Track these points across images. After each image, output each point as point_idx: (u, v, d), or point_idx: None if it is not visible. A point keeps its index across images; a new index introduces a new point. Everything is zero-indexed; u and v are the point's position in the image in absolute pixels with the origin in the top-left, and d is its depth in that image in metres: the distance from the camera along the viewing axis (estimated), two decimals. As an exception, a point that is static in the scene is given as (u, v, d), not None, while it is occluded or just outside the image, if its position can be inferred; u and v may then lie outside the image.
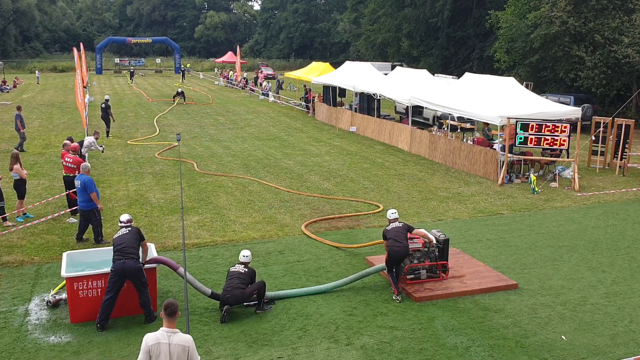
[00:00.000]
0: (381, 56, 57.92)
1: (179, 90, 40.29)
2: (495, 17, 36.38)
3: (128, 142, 24.07)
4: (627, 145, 19.42)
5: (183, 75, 60.44)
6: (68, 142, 14.78)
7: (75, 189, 13.88)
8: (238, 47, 59.35)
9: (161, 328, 5.76)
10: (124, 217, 9.42)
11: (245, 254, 9.49)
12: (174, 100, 38.60)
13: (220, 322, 8.80)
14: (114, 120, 26.64)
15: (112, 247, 8.98)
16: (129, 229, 9.10)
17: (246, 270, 9.25)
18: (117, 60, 76.98)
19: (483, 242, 12.60)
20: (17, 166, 13.69)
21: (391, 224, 10.16)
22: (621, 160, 19.39)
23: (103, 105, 25.43)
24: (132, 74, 58.28)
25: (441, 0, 47.10)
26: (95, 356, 7.91)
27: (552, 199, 16.22)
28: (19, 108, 22.46)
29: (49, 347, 8.13)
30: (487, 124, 20.74)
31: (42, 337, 8.38)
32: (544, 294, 10.00)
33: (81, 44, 37.47)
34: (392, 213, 10.40)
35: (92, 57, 67.62)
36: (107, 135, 24.75)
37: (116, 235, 9.03)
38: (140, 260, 8.88)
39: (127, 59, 76.01)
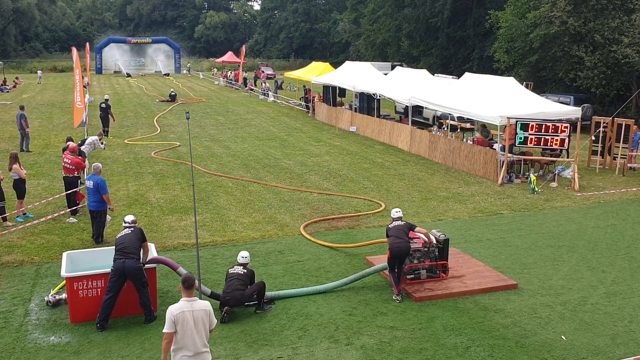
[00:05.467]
0: (381, 56, 57.90)
1: (172, 93, 40.12)
2: (495, 17, 36.38)
3: (125, 141, 24.07)
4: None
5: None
6: (70, 143, 14.79)
7: (74, 189, 13.95)
8: (243, 47, 59.19)
9: (181, 299, 6.33)
10: (129, 217, 9.42)
11: (243, 255, 9.49)
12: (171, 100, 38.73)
13: (220, 323, 8.80)
14: (114, 120, 26.66)
15: (113, 247, 8.99)
16: (132, 229, 9.11)
17: (245, 271, 9.25)
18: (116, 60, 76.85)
19: (483, 242, 12.60)
20: (16, 166, 13.69)
21: (394, 222, 10.18)
22: (616, 160, 19.40)
23: (103, 105, 25.43)
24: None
25: (441, 0, 47.10)
26: (95, 356, 7.91)
27: (552, 199, 16.22)
28: (22, 107, 22.42)
29: (49, 347, 8.13)
30: (484, 125, 20.79)
31: (42, 337, 8.38)
32: (544, 294, 10.00)
33: (87, 44, 37.47)
34: (395, 212, 10.41)
35: (92, 57, 67.60)
36: (107, 135, 24.74)
37: (119, 235, 9.05)
38: (141, 260, 8.88)
39: (127, 59, 75.89)
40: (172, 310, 6.21)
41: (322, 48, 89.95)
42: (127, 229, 9.12)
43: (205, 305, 6.37)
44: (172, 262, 9.17)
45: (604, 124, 19.68)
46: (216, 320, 6.55)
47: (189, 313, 6.20)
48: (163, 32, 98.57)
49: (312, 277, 10.63)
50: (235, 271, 9.24)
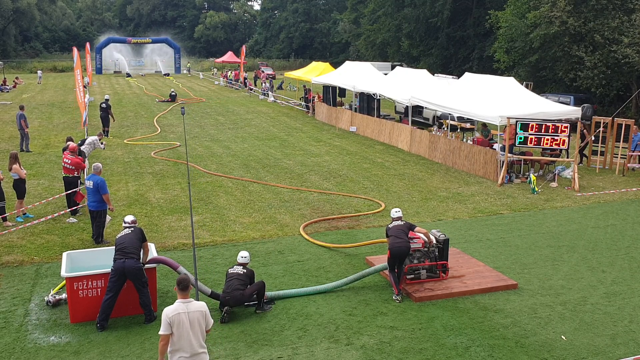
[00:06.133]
0: (381, 56, 57.90)
1: (172, 93, 40.17)
2: (495, 17, 36.40)
3: (125, 141, 24.07)
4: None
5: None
6: (70, 143, 14.78)
7: (74, 189, 13.95)
8: (243, 47, 59.13)
9: (177, 300, 6.31)
10: (129, 218, 9.43)
11: (243, 255, 9.50)
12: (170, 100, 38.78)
13: (220, 323, 8.80)
14: (114, 120, 26.65)
15: (113, 247, 8.99)
16: (132, 229, 9.11)
17: (245, 271, 9.26)
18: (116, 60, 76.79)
19: (483, 242, 12.60)
20: (15, 166, 13.68)
21: (393, 222, 10.17)
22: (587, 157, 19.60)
23: (103, 105, 25.43)
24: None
25: (441, 0, 47.11)
26: (95, 356, 7.91)
27: (552, 199, 16.22)
28: (21, 107, 22.43)
29: (49, 347, 8.13)
30: (485, 125, 20.78)
31: (42, 337, 8.38)
32: (544, 294, 10.00)
33: (87, 44, 37.50)
34: (395, 212, 10.42)
35: (92, 57, 67.59)
36: (107, 135, 24.76)
37: (119, 235, 9.05)
38: (141, 260, 8.89)
39: (127, 59, 75.93)
40: (168, 312, 6.21)
41: (322, 48, 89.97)
42: (127, 229, 9.13)
43: (201, 306, 6.36)
44: (172, 262, 9.17)
45: (581, 128, 19.66)
46: (212, 321, 6.54)
47: (184, 314, 6.19)
48: (163, 32, 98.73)
49: (312, 277, 10.63)
50: (235, 271, 9.25)
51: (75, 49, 21.28)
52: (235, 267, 9.38)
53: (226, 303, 8.94)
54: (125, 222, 9.35)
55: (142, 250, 8.99)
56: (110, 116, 25.46)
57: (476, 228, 13.59)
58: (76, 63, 20.47)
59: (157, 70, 71.46)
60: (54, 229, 12.95)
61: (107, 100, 25.84)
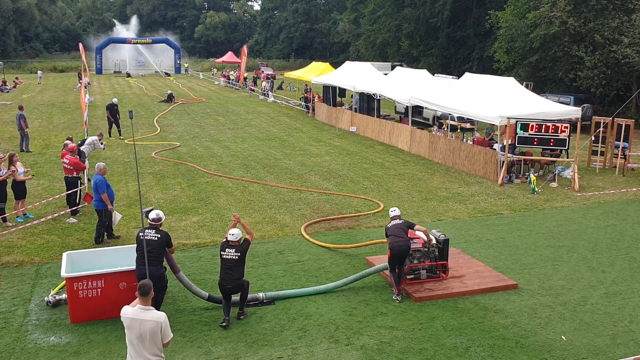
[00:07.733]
0: (381, 56, 57.91)
1: (170, 93, 40.17)
2: (495, 17, 36.39)
3: (125, 141, 24.08)
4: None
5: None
6: (68, 142, 14.75)
7: (74, 189, 13.95)
8: (245, 47, 59.07)
9: (137, 305, 6.08)
10: (153, 214, 8.92)
11: (233, 232, 8.89)
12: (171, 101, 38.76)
13: (219, 325, 8.77)
14: (119, 118, 26.63)
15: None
16: (160, 234, 8.75)
17: (239, 254, 8.82)
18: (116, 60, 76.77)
19: (483, 242, 12.60)
20: (13, 167, 13.63)
21: (392, 221, 10.18)
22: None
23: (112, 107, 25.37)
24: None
25: (441, 0, 47.11)
26: (95, 356, 7.91)
27: (552, 199, 16.22)
28: (21, 108, 22.44)
29: (49, 347, 8.13)
30: (493, 125, 20.71)
31: (42, 337, 8.38)
32: (544, 294, 10.00)
33: (80, 44, 37.52)
34: (392, 211, 10.42)
35: (91, 57, 67.60)
36: (110, 136, 24.80)
37: (146, 237, 8.57)
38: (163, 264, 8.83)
39: (127, 59, 75.84)
40: (125, 311, 6.05)
41: (322, 48, 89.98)
42: (154, 231, 8.74)
43: (158, 317, 6.01)
44: (175, 265, 9.12)
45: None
46: (172, 335, 6.15)
47: (137, 321, 5.95)
48: (163, 32, 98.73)
49: (312, 277, 10.63)
50: (229, 257, 8.82)
51: (81, 48, 21.25)
52: (227, 250, 8.85)
53: (229, 292, 8.80)
54: (150, 220, 8.89)
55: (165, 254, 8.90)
56: (116, 116, 25.49)
57: (476, 228, 13.59)
58: (83, 60, 20.45)
59: (157, 70, 71.45)
60: (54, 229, 12.95)
61: (115, 105, 25.71)
